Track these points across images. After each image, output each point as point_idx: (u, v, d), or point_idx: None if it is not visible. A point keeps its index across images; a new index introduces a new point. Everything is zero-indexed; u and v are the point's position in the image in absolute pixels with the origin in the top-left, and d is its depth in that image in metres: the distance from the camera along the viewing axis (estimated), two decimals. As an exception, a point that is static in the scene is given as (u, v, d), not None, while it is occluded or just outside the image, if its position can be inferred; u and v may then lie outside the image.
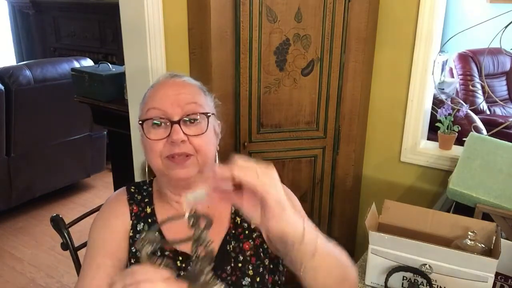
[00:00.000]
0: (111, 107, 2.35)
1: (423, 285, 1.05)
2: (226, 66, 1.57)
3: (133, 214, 1.01)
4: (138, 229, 1.00)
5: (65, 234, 1.18)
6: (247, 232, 1.02)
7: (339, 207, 1.85)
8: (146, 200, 1.04)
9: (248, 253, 1.00)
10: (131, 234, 1.00)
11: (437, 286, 1.05)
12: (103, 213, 1.04)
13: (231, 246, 1.00)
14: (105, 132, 3.41)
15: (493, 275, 0.99)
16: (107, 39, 4.04)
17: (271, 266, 1.02)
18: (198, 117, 0.95)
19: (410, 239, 1.05)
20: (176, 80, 0.99)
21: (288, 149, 1.70)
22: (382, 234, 1.07)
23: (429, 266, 1.04)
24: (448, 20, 3.57)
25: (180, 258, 0.97)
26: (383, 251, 1.08)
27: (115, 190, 2.72)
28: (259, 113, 1.63)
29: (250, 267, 0.99)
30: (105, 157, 3.61)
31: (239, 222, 1.03)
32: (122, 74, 2.28)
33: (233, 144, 1.65)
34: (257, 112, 1.63)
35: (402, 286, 1.08)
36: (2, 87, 2.77)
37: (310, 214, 1.81)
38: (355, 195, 1.92)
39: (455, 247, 1.05)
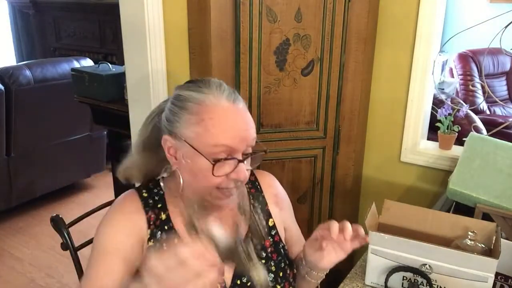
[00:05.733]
0: (111, 107, 2.35)
1: (423, 285, 1.05)
2: (226, 66, 1.57)
3: (151, 222, 0.97)
4: (157, 237, 0.96)
5: (65, 234, 1.18)
6: (266, 229, 1.06)
7: (339, 207, 1.85)
8: (159, 205, 0.99)
9: (269, 250, 1.04)
10: (150, 243, 0.95)
11: (437, 286, 1.05)
12: (115, 217, 0.98)
13: (253, 244, 1.02)
14: (105, 132, 3.41)
15: (493, 275, 0.99)
16: (107, 39, 4.04)
17: (288, 261, 1.07)
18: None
19: (410, 239, 1.05)
20: (239, 107, 0.94)
21: (288, 149, 1.70)
22: (382, 234, 1.07)
23: (429, 266, 1.04)
24: (448, 20, 3.57)
25: None
26: (383, 251, 1.08)
27: (115, 190, 2.71)
28: (259, 113, 1.63)
29: (273, 263, 1.03)
30: (105, 157, 3.61)
31: (257, 220, 1.05)
32: (122, 74, 2.28)
33: (233, 144, 1.65)
34: (257, 112, 1.63)
35: (402, 286, 1.08)
36: (2, 87, 2.78)
37: (310, 214, 1.81)
38: (355, 195, 1.92)
39: (455, 247, 1.05)
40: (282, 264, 1.05)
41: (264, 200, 1.09)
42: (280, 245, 1.07)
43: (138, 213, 0.97)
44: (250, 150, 0.94)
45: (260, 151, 0.96)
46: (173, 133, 0.93)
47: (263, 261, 1.02)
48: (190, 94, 0.93)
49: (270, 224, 1.07)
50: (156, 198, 1.00)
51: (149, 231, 0.96)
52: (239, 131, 0.91)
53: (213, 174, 0.89)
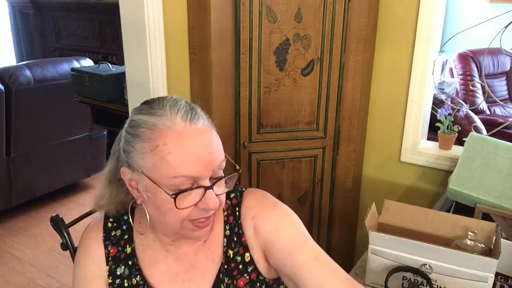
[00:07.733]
0: (111, 107, 2.36)
1: (423, 285, 1.05)
2: (226, 66, 1.57)
3: (109, 258, 0.90)
4: (118, 273, 0.90)
5: (65, 234, 1.18)
6: (241, 266, 0.91)
7: (339, 207, 1.85)
8: (125, 236, 0.92)
9: None
10: (110, 281, 0.89)
11: (437, 286, 1.05)
12: (78, 254, 0.94)
13: (224, 284, 0.90)
14: (105, 132, 3.42)
15: (493, 275, 0.99)
16: (107, 39, 4.04)
17: None
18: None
19: (410, 239, 1.05)
20: (197, 127, 0.80)
21: (288, 149, 1.70)
22: (382, 234, 1.07)
23: (429, 266, 1.04)
24: (448, 20, 3.58)
25: None
26: (383, 251, 1.08)
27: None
28: (259, 113, 1.63)
29: None
30: (105, 157, 3.60)
31: (231, 256, 0.91)
32: (122, 74, 2.28)
33: (233, 144, 1.65)
34: (257, 112, 1.63)
35: (402, 286, 1.08)
36: (2, 87, 2.77)
37: (310, 214, 1.81)
38: (355, 195, 1.92)
39: (455, 247, 1.05)
40: None
41: (240, 230, 0.93)
42: (257, 283, 0.91)
43: (97, 249, 0.92)
44: (220, 173, 0.82)
45: (235, 173, 0.86)
46: (130, 165, 0.82)
47: None
48: (143, 118, 0.81)
49: (247, 259, 0.91)
50: (124, 227, 0.92)
51: (107, 267, 0.90)
52: (200, 156, 0.78)
53: (176, 207, 0.78)
